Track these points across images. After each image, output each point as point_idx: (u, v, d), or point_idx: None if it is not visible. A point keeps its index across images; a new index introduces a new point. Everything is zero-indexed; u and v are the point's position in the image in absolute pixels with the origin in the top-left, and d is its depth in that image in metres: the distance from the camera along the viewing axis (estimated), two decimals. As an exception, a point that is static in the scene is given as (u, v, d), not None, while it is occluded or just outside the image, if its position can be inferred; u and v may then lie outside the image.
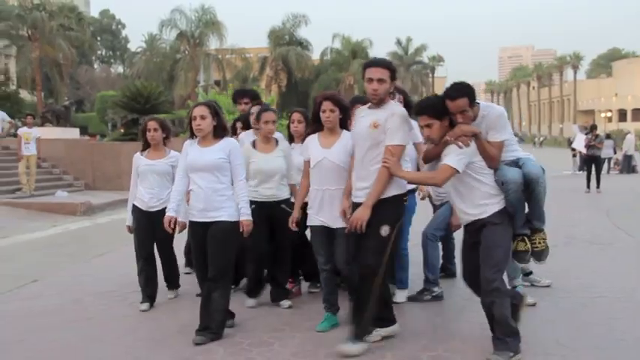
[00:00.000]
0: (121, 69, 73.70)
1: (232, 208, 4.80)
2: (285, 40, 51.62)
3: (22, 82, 42.77)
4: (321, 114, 4.94)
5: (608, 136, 26.76)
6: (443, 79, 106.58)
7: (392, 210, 4.47)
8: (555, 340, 4.82)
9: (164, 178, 5.82)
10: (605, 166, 24.45)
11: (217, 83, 47.08)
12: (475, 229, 4.33)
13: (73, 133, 23.09)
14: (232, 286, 6.31)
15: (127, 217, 5.99)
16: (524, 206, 4.32)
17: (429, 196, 6.37)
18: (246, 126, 6.43)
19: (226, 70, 48.81)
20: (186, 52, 48.37)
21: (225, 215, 4.76)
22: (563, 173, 24.65)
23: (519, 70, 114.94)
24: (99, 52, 75.59)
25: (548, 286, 6.38)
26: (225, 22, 47.38)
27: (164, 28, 47.70)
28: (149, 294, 5.86)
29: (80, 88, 53.46)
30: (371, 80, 4.46)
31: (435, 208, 6.44)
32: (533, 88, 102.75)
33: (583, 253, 8.40)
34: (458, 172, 4.17)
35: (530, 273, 6.48)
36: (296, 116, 6.02)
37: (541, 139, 78.11)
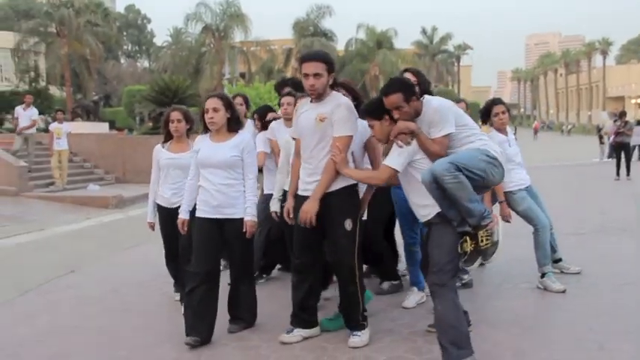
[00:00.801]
0: (146, 63, 74.27)
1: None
2: (310, 32, 51.59)
3: (52, 78, 43.24)
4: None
5: (638, 123, 26.31)
6: (469, 68, 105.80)
7: (348, 202, 4.41)
8: (587, 326, 4.86)
9: (187, 172, 5.22)
10: (636, 153, 24.14)
11: (242, 76, 47.31)
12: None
13: (103, 127, 23.48)
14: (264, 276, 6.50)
15: (148, 213, 5.69)
16: (448, 203, 3.92)
17: None
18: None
19: (251, 62, 48.94)
20: (212, 46, 48.58)
21: (240, 212, 4.65)
22: (592, 161, 24.43)
23: (546, 57, 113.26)
24: (125, 47, 76.23)
25: (577, 273, 6.40)
26: (250, 15, 47.54)
27: (189, 21, 47.91)
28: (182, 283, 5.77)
29: (107, 83, 53.99)
30: (307, 76, 4.34)
31: None
32: (561, 75, 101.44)
33: (612, 240, 8.36)
34: (397, 171, 4.08)
35: (560, 260, 6.52)
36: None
37: (569, 127, 77.14)
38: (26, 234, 10.17)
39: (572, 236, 8.21)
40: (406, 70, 5.07)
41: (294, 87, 6.15)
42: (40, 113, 19.01)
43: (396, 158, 4.07)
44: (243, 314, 4.92)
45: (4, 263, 8.10)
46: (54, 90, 41.45)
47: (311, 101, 4.51)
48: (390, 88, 4.11)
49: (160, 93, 20.36)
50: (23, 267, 7.83)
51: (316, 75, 4.31)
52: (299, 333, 4.63)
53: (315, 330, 4.71)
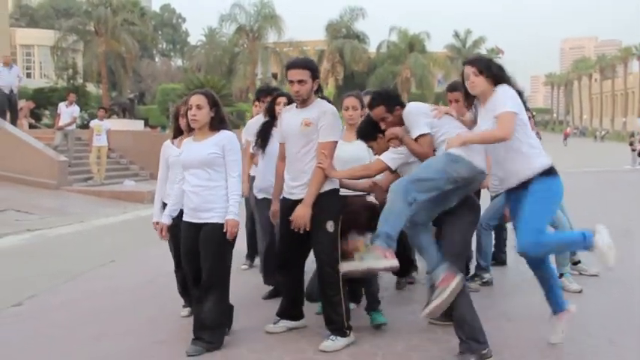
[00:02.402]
0: (180, 62, 75.20)
1: (225, 209, 4.34)
2: (343, 33, 51.95)
3: (89, 75, 44.32)
4: (344, 112, 5.17)
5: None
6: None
7: (330, 204, 4.50)
8: (599, 322, 5.10)
9: None
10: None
11: (274, 76, 47.81)
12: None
13: (138, 125, 24.08)
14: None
15: (154, 213, 5.17)
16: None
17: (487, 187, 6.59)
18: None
19: (284, 63, 49.43)
20: (245, 46, 49.22)
21: (217, 217, 4.32)
22: (624, 168, 24.30)
23: (581, 62, 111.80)
24: (160, 46, 77.36)
25: (595, 275, 6.58)
26: (283, 16, 48.06)
27: (224, 22, 48.79)
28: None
29: (142, 81, 54.90)
30: (292, 82, 4.47)
31: (491, 198, 6.65)
32: (596, 80, 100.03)
33: (635, 245, 8.45)
34: (390, 168, 4.43)
35: (579, 262, 6.72)
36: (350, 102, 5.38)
37: (603, 133, 76.19)
38: (67, 225, 10.65)
39: (595, 240, 8.33)
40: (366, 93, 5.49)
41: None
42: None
43: (389, 155, 4.43)
44: (207, 335, 4.40)
45: (48, 252, 8.55)
46: (90, 87, 42.34)
47: (296, 106, 4.65)
48: (374, 102, 4.49)
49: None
50: (66, 256, 8.26)
51: (300, 81, 4.44)
52: (284, 324, 4.86)
53: (301, 322, 4.91)
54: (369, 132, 4.61)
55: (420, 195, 4.09)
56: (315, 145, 4.48)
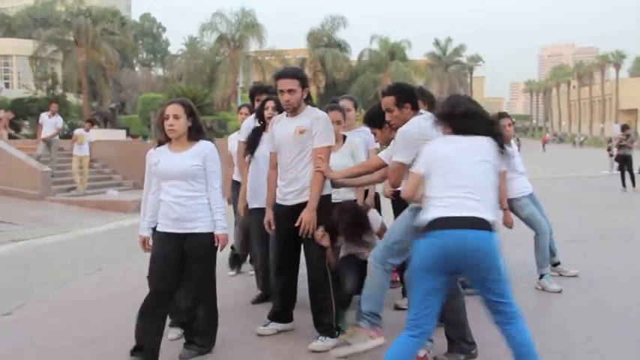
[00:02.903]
0: (161, 71, 74.98)
1: (209, 217, 4.31)
2: (324, 42, 52.22)
3: (69, 85, 44.00)
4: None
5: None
6: (482, 79, 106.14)
7: (321, 210, 4.58)
8: (578, 321, 5.29)
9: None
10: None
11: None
12: None
13: (121, 134, 24.11)
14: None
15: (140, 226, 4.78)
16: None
17: None
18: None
19: (266, 71, 49.52)
20: (226, 55, 49.24)
21: (202, 227, 4.28)
22: (602, 173, 24.69)
23: (559, 69, 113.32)
24: (140, 55, 77.10)
25: (575, 276, 6.79)
26: (265, 25, 48.19)
27: (205, 31, 48.74)
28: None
29: (122, 90, 54.67)
30: (282, 92, 4.55)
31: None
32: (574, 87, 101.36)
33: (612, 248, 8.74)
34: (385, 164, 4.52)
35: (559, 263, 6.91)
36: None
37: (581, 139, 77.20)
38: (52, 235, 10.68)
39: (573, 243, 8.56)
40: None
41: (271, 94, 5.71)
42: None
43: (387, 152, 4.54)
44: (199, 339, 4.53)
45: (35, 261, 8.61)
46: (71, 97, 42.08)
47: (287, 115, 4.72)
48: (387, 90, 4.50)
49: (177, 102, 20.87)
50: (53, 265, 8.33)
51: (290, 91, 4.53)
52: (274, 326, 4.97)
53: (290, 325, 5.03)
54: (376, 119, 4.68)
55: (395, 260, 4.25)
56: (310, 152, 4.58)
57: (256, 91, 6.33)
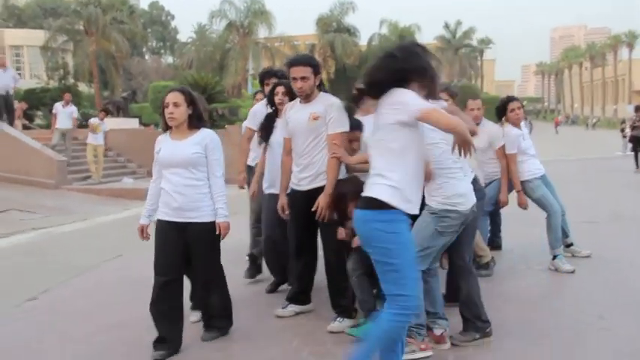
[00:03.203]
0: (170, 59, 75.08)
1: (210, 207, 4.31)
2: (333, 28, 52.18)
3: (80, 75, 44.26)
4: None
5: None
6: (492, 62, 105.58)
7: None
8: (590, 300, 5.43)
9: None
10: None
11: (266, 71, 47.81)
12: None
13: (133, 123, 24.30)
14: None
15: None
16: None
17: None
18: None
19: (275, 58, 49.59)
20: (236, 42, 49.33)
21: (205, 215, 4.29)
22: (615, 154, 24.65)
23: (571, 51, 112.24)
24: (149, 44, 77.23)
25: (588, 257, 6.91)
26: (273, 11, 48.20)
27: (214, 18, 48.95)
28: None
29: (132, 79, 54.80)
30: (295, 79, 4.64)
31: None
32: (586, 68, 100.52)
33: (624, 228, 8.83)
34: None
35: (572, 244, 7.03)
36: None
37: (594, 120, 76.69)
38: (71, 223, 10.87)
39: (586, 224, 8.67)
40: None
41: (280, 78, 5.70)
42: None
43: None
44: (217, 322, 4.64)
45: (56, 249, 8.78)
46: (82, 87, 42.35)
47: (300, 102, 4.81)
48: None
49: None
50: (74, 252, 8.49)
51: (303, 78, 4.62)
52: (292, 308, 5.09)
53: (308, 306, 5.14)
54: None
55: (432, 264, 4.26)
56: (323, 138, 4.68)
57: (265, 75, 6.28)
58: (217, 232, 4.31)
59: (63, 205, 13.07)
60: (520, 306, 5.31)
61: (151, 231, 4.47)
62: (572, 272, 6.26)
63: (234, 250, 6.09)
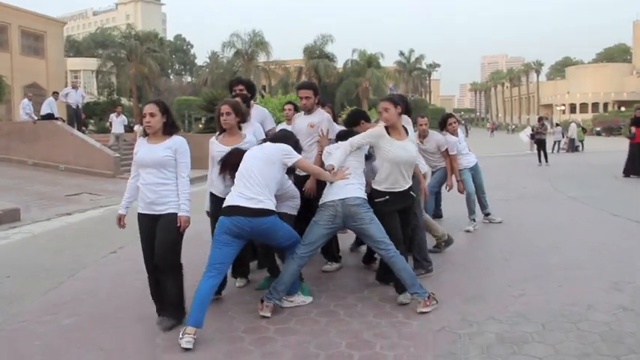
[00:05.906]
0: (189, 79, 74.62)
1: (177, 201, 3.91)
2: (316, 54, 52.16)
3: (122, 91, 44.12)
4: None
5: (557, 125, 27.55)
6: (437, 81, 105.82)
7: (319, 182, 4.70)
8: (498, 250, 6.03)
9: None
10: (556, 146, 25.47)
11: (264, 88, 47.90)
12: None
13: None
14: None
15: (205, 204, 4.71)
16: None
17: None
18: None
19: (271, 78, 49.75)
20: (241, 65, 49.27)
21: (171, 208, 3.89)
22: (526, 152, 25.29)
23: (496, 74, 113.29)
24: (174, 67, 76.79)
25: (500, 222, 7.49)
26: (270, 41, 48.28)
27: (225, 47, 48.70)
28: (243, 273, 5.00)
29: (161, 94, 54.26)
30: (301, 98, 4.97)
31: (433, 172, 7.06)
32: (507, 87, 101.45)
33: (529, 203, 9.37)
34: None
35: (489, 214, 7.57)
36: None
37: (512, 127, 77.63)
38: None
39: (502, 201, 9.27)
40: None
41: (246, 86, 5.35)
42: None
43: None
44: (169, 310, 3.99)
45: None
46: (124, 100, 42.32)
47: (304, 114, 5.09)
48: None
49: (209, 103, 21.35)
50: (134, 221, 8.87)
51: (307, 97, 4.95)
52: (332, 266, 5.27)
53: (339, 264, 5.35)
54: (354, 119, 4.99)
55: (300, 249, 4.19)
56: (316, 140, 4.98)
57: (233, 82, 5.65)
58: (178, 225, 3.87)
59: (121, 189, 12.67)
60: (452, 253, 5.84)
61: (127, 221, 4.14)
62: (500, 222, 7.09)
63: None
